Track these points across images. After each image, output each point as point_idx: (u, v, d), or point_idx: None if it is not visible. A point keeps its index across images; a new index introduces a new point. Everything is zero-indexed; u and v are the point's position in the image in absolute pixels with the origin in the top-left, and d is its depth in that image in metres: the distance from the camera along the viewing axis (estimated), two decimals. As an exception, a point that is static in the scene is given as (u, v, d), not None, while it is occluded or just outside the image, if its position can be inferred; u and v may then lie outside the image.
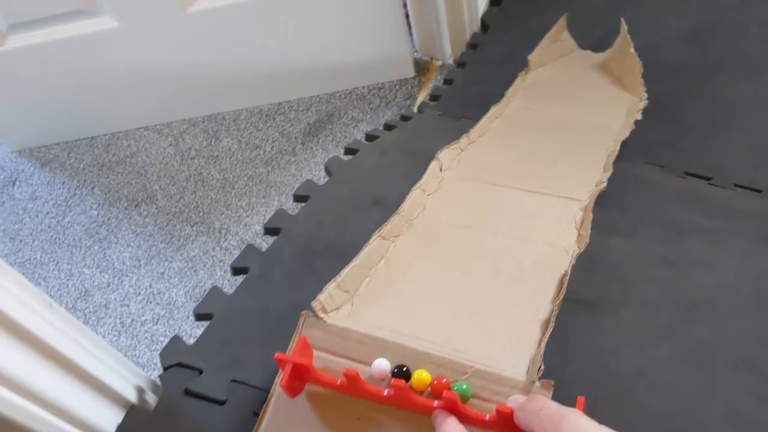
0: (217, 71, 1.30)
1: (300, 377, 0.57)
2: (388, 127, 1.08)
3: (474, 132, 0.97)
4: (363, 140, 1.08)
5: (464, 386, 0.57)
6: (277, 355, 0.54)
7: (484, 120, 1.01)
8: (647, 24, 1.28)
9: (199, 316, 0.69)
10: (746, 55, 1.21)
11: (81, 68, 1.27)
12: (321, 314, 0.64)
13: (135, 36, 1.22)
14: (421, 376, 0.57)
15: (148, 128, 1.40)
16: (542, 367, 0.58)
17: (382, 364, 0.59)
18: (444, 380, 0.57)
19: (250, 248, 0.78)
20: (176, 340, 0.66)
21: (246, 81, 1.32)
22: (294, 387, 0.56)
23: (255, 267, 0.75)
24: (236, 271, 0.75)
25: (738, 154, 1.06)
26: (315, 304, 0.64)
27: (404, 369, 0.59)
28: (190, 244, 1.21)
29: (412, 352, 0.61)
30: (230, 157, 1.32)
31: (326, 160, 1.25)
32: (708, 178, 1.01)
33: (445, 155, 0.89)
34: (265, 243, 0.84)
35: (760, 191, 0.98)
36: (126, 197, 1.30)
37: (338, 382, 0.56)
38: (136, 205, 1.28)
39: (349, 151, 0.99)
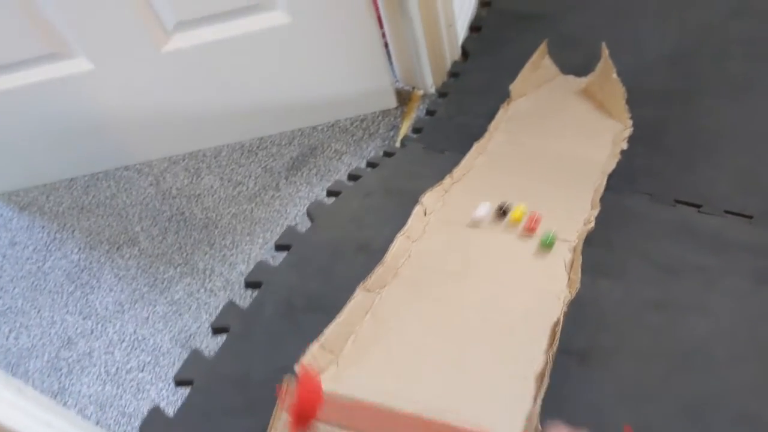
0: (196, 108, 1.28)
1: None
2: (372, 164, 1.06)
3: (457, 171, 0.96)
4: (346, 180, 1.06)
5: None
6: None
7: (467, 157, 1.00)
8: (628, 47, 1.27)
9: (180, 383, 0.67)
10: (729, 77, 1.20)
11: (56, 111, 1.25)
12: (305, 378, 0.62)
13: (110, 78, 1.20)
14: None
15: (128, 168, 1.38)
16: (539, 427, 0.57)
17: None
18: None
19: (231, 305, 0.76)
20: (156, 411, 0.64)
21: (226, 117, 1.31)
22: None
23: (236, 326, 0.73)
24: (217, 331, 0.73)
25: (726, 178, 1.05)
26: (298, 368, 0.62)
27: None
28: (173, 286, 1.18)
29: (401, 417, 0.59)
30: (212, 195, 1.30)
31: (310, 194, 1.24)
32: (698, 206, 1.00)
33: (429, 198, 0.88)
34: (248, 295, 0.82)
35: (751, 217, 0.97)
36: (107, 240, 1.27)
37: None
38: (117, 248, 1.26)
39: (331, 193, 0.97)
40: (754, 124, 1.12)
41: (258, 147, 1.35)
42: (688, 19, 1.29)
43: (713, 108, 1.16)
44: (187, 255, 1.22)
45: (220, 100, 1.27)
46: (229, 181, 1.31)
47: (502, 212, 0.70)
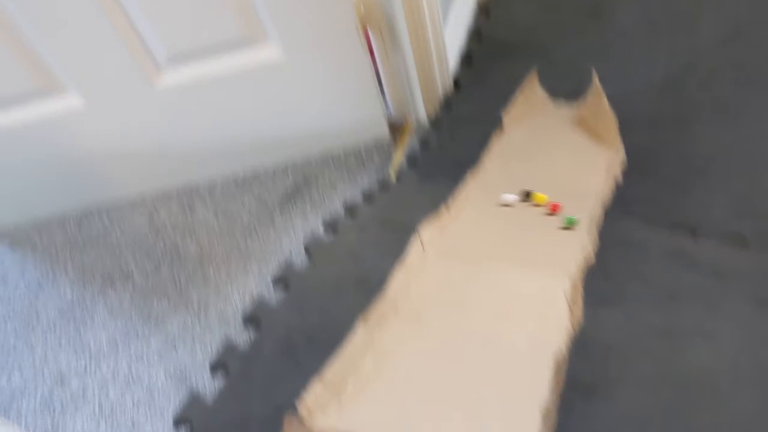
0: (189, 142, 1.28)
1: None
2: (367, 196, 1.06)
3: (453, 202, 0.96)
4: (341, 212, 1.06)
5: None
6: None
7: (462, 188, 1.00)
8: (618, 74, 1.28)
9: (178, 422, 0.66)
10: (719, 101, 1.21)
11: (48, 147, 1.25)
12: (307, 417, 0.61)
13: (103, 114, 1.20)
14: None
15: (121, 203, 1.37)
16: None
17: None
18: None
19: (228, 345, 0.75)
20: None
21: (219, 150, 1.30)
22: None
23: (234, 366, 0.72)
24: (215, 368, 0.72)
25: (721, 203, 1.05)
26: (300, 407, 0.61)
27: None
28: (168, 321, 1.17)
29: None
30: (207, 229, 1.29)
31: (305, 226, 1.24)
32: (693, 232, 1.00)
33: (427, 230, 0.88)
34: (245, 329, 0.81)
35: (747, 241, 0.98)
36: (100, 276, 1.26)
37: None
38: (111, 284, 1.25)
39: (328, 226, 0.96)
40: (746, 148, 1.13)
41: (252, 179, 1.35)
42: (677, 46, 1.30)
43: (705, 133, 1.16)
44: (181, 289, 1.21)
45: (213, 134, 1.27)
46: (223, 214, 1.31)
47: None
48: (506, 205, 0.95)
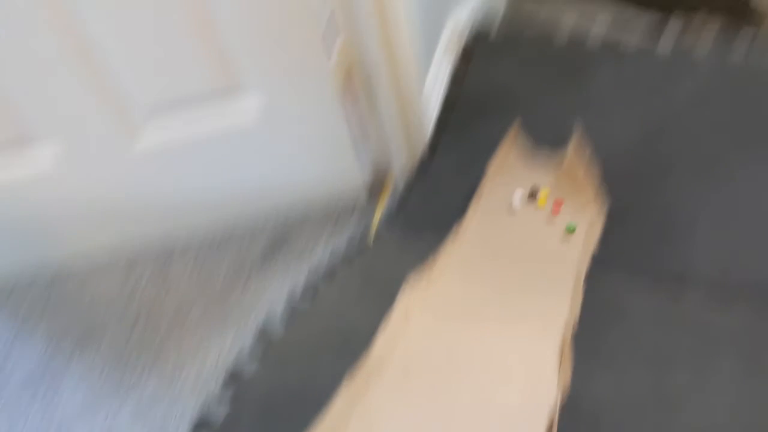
0: (165, 198, 1.25)
1: None
2: (348, 253, 1.04)
3: (437, 259, 0.94)
4: (321, 271, 1.04)
5: None
6: None
7: (444, 247, 0.98)
8: (597, 129, 1.29)
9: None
10: (696, 159, 1.22)
11: (19, 206, 1.21)
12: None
13: (76, 172, 1.17)
14: None
15: (94, 261, 1.34)
16: None
17: None
18: None
19: (205, 413, 0.71)
20: None
21: (197, 208, 1.28)
22: None
23: (213, 436, 0.68)
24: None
25: (704, 259, 1.05)
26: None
27: None
28: (142, 385, 1.13)
29: None
30: (182, 287, 1.26)
31: (283, 284, 1.21)
32: (678, 287, 1.00)
33: (410, 292, 0.86)
34: (222, 393, 0.78)
35: (732, 299, 0.97)
36: (72, 338, 1.22)
37: None
38: (83, 345, 1.20)
39: (308, 284, 0.94)
40: (726, 203, 1.13)
41: (229, 236, 1.32)
42: (654, 103, 1.32)
43: (685, 188, 1.17)
44: (156, 350, 1.17)
45: (189, 190, 1.25)
46: (199, 273, 1.28)
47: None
48: (513, 209, 1.01)
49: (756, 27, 1.79)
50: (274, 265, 1.26)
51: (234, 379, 0.75)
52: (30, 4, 0.95)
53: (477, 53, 1.48)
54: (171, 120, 1.14)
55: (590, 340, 0.80)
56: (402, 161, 1.31)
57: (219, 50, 1.05)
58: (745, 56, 1.36)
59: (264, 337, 0.84)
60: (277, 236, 1.31)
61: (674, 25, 1.54)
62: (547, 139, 1.28)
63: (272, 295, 1.21)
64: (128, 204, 1.25)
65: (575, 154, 1.14)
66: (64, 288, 1.31)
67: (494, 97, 1.41)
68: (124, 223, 1.29)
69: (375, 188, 1.34)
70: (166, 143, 1.17)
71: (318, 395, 0.68)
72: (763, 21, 1.78)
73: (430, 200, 1.24)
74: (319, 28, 1.05)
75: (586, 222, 1.07)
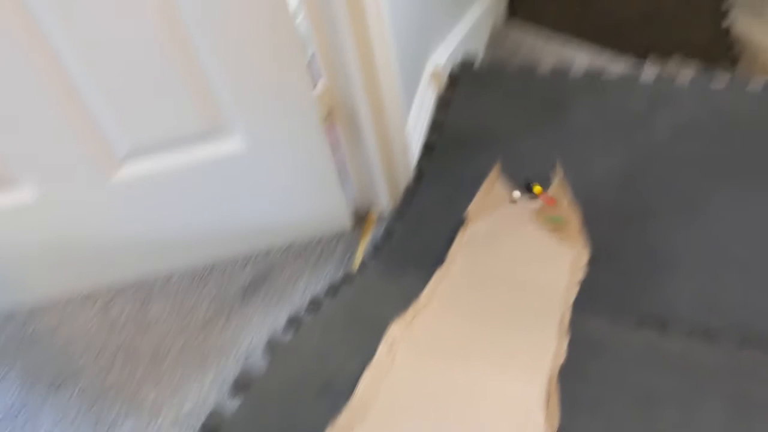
0: (145, 235, 1.24)
1: None
2: (330, 290, 1.03)
3: (421, 299, 0.94)
4: (304, 308, 1.03)
5: None
6: None
7: (429, 285, 0.98)
8: (578, 166, 1.30)
9: None
10: (678, 195, 1.23)
11: (-3, 241, 1.20)
12: None
13: (55, 207, 1.16)
14: None
15: (72, 299, 1.31)
16: None
17: None
18: None
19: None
20: None
21: (176, 243, 1.27)
22: None
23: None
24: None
25: (686, 298, 1.05)
26: None
27: None
28: (118, 427, 1.10)
29: None
30: (161, 324, 1.24)
31: (265, 321, 1.20)
32: (661, 327, 1.00)
33: (395, 330, 0.85)
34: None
35: (715, 338, 0.97)
36: (47, 377, 1.19)
37: None
38: (58, 386, 1.17)
39: (289, 322, 0.93)
40: (708, 241, 1.14)
41: (210, 272, 1.31)
42: (635, 138, 1.33)
43: (666, 226, 1.17)
44: (133, 390, 1.15)
45: (170, 227, 1.24)
46: (179, 310, 1.26)
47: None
48: (514, 202, 1.12)
49: (732, 67, 1.83)
50: (255, 301, 1.25)
51: (213, 419, 0.74)
52: (11, 45, 0.94)
53: (460, 86, 1.49)
54: (152, 158, 1.13)
55: (576, 382, 0.80)
56: (386, 197, 1.31)
57: (203, 93, 1.05)
58: (725, 91, 1.38)
59: (244, 376, 0.82)
60: (260, 271, 1.29)
61: (651, 69, 1.56)
62: (529, 176, 1.28)
63: (253, 333, 1.19)
64: (107, 241, 1.23)
65: (559, 190, 1.14)
66: (41, 326, 1.28)
67: (477, 131, 1.42)
68: (102, 260, 1.27)
69: (359, 223, 1.33)
70: (146, 180, 1.15)
71: (300, 439, 0.66)
72: (739, 61, 1.82)
73: (414, 235, 1.23)
74: (303, 69, 1.05)
75: (572, 253, 1.07)
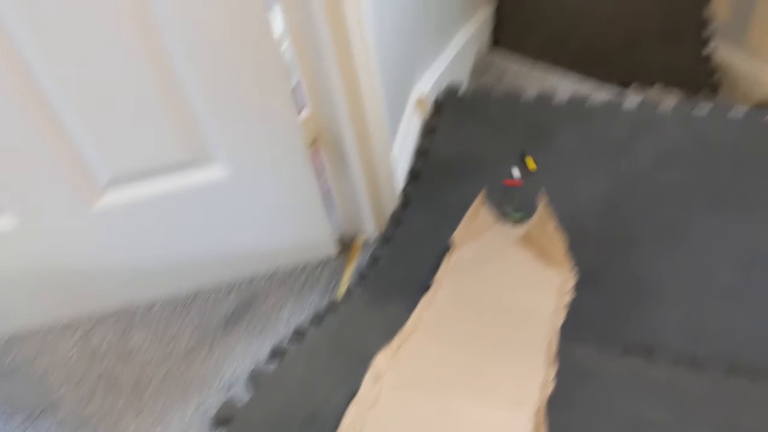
0: (127, 263, 1.22)
1: None
2: (315, 319, 1.02)
3: (407, 328, 0.93)
4: (288, 337, 1.01)
5: None
6: None
7: (415, 313, 0.97)
8: (563, 193, 1.30)
9: None
10: (662, 222, 1.23)
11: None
12: None
13: (36, 235, 1.14)
14: None
15: (52, 328, 1.29)
16: None
17: None
18: None
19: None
20: None
21: (159, 271, 1.25)
22: None
23: None
24: None
25: (671, 325, 1.05)
26: None
27: None
28: (98, 459, 1.08)
29: None
30: (143, 353, 1.22)
31: (248, 350, 1.18)
32: (647, 356, 0.99)
33: (380, 361, 0.84)
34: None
35: (700, 366, 0.97)
36: (26, 408, 1.16)
37: None
38: (37, 417, 1.15)
39: (273, 352, 0.92)
40: (691, 268, 1.14)
41: (193, 300, 1.29)
42: (619, 165, 1.34)
43: (651, 253, 1.18)
44: (114, 421, 1.13)
45: (153, 254, 1.22)
46: (161, 338, 1.24)
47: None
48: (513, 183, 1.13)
49: (713, 94, 1.86)
50: (239, 329, 1.23)
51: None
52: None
53: (445, 113, 1.50)
54: (134, 185, 1.12)
55: (563, 411, 0.79)
56: (371, 223, 1.30)
57: (186, 121, 1.05)
58: (707, 118, 1.40)
59: (227, 407, 0.81)
60: (243, 299, 1.28)
61: (634, 96, 1.58)
62: (514, 203, 1.29)
63: (237, 363, 1.17)
64: (88, 269, 1.22)
65: (543, 217, 1.14)
66: (19, 355, 1.26)
67: (462, 157, 1.42)
68: (83, 288, 1.25)
69: (344, 250, 1.32)
70: (127, 207, 1.14)
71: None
72: (720, 88, 1.85)
73: (399, 262, 1.23)
74: (287, 97, 1.05)
75: (559, 278, 1.07)
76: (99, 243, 1.19)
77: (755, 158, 1.29)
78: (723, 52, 1.95)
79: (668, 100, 1.81)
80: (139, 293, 1.29)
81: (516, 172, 1.20)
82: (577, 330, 1.03)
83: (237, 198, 1.17)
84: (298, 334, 0.98)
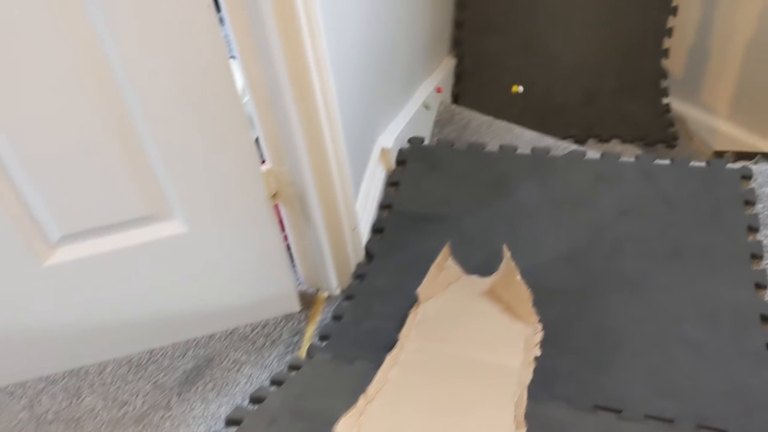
0: (79, 323, 1.17)
1: None
2: (276, 381, 0.98)
3: (371, 390, 0.89)
4: (247, 400, 0.97)
5: None
6: None
7: (380, 372, 0.94)
8: (526, 245, 1.29)
9: None
10: (625, 273, 1.23)
11: None
12: None
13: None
14: None
15: (-2, 391, 1.23)
16: None
17: None
18: None
19: None
20: None
21: (113, 330, 1.20)
22: None
23: None
24: None
25: (640, 379, 1.04)
26: None
27: None
28: None
29: None
30: (94, 418, 1.16)
31: (206, 412, 1.13)
32: (618, 411, 0.98)
33: (344, 426, 0.80)
34: None
35: (671, 421, 0.96)
36: (-36, 480, 1.09)
37: None
38: (-24, 490, 1.08)
39: (231, 418, 0.87)
40: (656, 321, 1.14)
41: (148, 361, 1.24)
42: (579, 218, 1.34)
43: (615, 305, 1.17)
44: (60, 493, 1.06)
45: (107, 313, 1.17)
46: (113, 402, 1.18)
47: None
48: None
49: (672, 144, 1.90)
50: (196, 391, 1.18)
51: None
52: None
53: (408, 166, 1.49)
54: (88, 242, 1.08)
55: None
56: (334, 278, 1.27)
57: (143, 177, 1.02)
58: (667, 169, 1.41)
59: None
60: (201, 358, 1.23)
61: (595, 149, 1.60)
62: (478, 256, 1.27)
63: (194, 427, 1.12)
64: (37, 328, 1.16)
65: (508, 271, 1.13)
66: (-41, 423, 1.19)
67: (426, 210, 1.41)
68: (32, 349, 1.19)
69: (307, 305, 1.29)
70: (81, 264, 1.10)
71: None
72: (677, 138, 1.89)
73: (364, 318, 1.20)
74: (249, 152, 1.03)
75: (526, 332, 1.05)
76: (49, 302, 1.14)
77: (714, 210, 1.31)
78: (678, 105, 2.00)
79: (629, 151, 1.84)
80: (91, 354, 1.23)
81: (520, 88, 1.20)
82: (547, 386, 1.01)
83: (196, 254, 1.14)
84: (256, 399, 0.93)
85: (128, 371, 1.22)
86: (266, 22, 0.92)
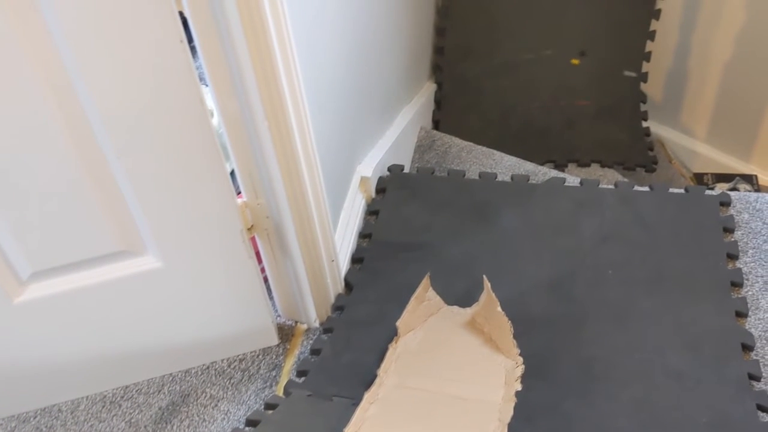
0: (51, 359, 1.14)
1: None
2: (252, 421, 0.96)
3: (350, 428, 0.87)
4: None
5: None
6: None
7: (358, 410, 0.92)
8: (507, 274, 1.28)
9: None
10: (608, 301, 1.22)
11: None
12: None
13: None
14: None
15: (-35, 432, 1.19)
16: None
17: None
18: None
19: None
20: None
21: (86, 366, 1.17)
22: None
23: None
24: None
25: (624, 411, 1.04)
26: None
27: None
28: None
29: None
30: (67, 459, 1.13)
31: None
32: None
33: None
34: None
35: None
36: None
37: None
38: None
39: (206, 461, 0.85)
40: (639, 350, 1.13)
41: (122, 397, 1.21)
42: (561, 245, 1.33)
43: (597, 334, 1.16)
44: None
45: (80, 349, 1.15)
46: (86, 441, 1.15)
47: None
48: None
49: (651, 168, 1.90)
50: (171, 429, 1.15)
51: None
52: None
53: (388, 194, 1.48)
54: (60, 278, 1.05)
55: None
56: (313, 310, 1.25)
57: (116, 213, 1.00)
58: (648, 195, 1.41)
59: None
60: (177, 395, 1.20)
61: (575, 174, 1.60)
62: (459, 285, 1.26)
63: (169, 465, 1.09)
64: (8, 366, 1.13)
65: (488, 302, 1.12)
66: (-74, 466, 1.15)
67: (406, 239, 1.40)
68: (2, 387, 1.16)
69: (285, 338, 1.27)
70: (53, 301, 1.07)
71: None
72: (656, 165, 1.89)
73: (343, 351, 1.18)
74: (224, 184, 1.02)
75: (507, 365, 1.04)
76: (21, 339, 1.11)
77: (694, 237, 1.31)
78: (658, 130, 2.01)
79: (610, 177, 1.84)
80: (64, 391, 1.20)
81: None
82: (530, 420, 1.00)
83: (171, 288, 1.11)
84: (234, 435, 0.91)
85: (102, 408, 1.19)
86: (239, 53, 0.91)
